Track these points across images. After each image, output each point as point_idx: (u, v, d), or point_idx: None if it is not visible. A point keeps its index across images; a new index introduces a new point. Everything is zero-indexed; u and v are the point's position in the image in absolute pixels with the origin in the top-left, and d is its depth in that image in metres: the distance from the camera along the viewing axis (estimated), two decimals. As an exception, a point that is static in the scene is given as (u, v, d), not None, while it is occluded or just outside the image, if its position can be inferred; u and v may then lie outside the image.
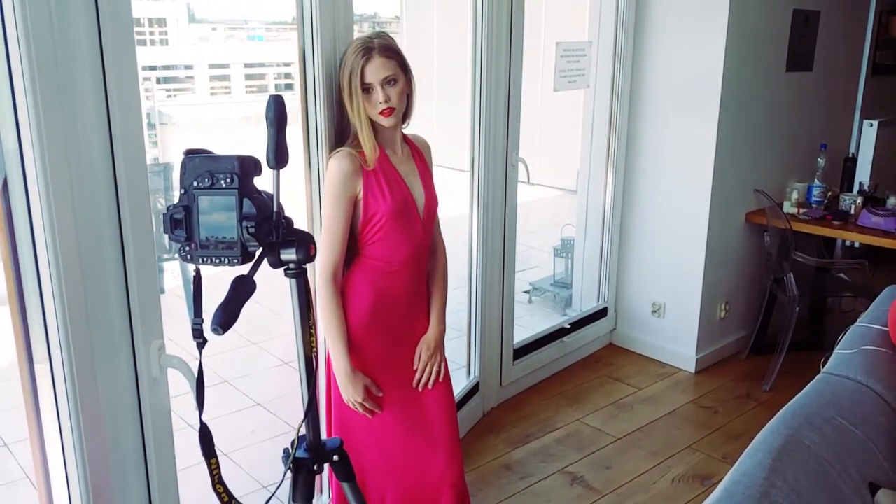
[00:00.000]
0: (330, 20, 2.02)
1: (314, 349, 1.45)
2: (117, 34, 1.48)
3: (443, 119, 5.48)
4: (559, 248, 4.66)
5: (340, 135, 2.05)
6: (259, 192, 1.29)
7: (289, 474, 1.50)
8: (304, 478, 1.51)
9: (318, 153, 2.08)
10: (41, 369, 1.53)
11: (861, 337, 2.16)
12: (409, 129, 2.07)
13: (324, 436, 1.75)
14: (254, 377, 3.82)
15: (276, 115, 1.28)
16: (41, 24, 1.35)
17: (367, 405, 1.97)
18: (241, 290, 1.28)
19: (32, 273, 1.46)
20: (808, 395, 1.82)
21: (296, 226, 1.36)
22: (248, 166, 1.27)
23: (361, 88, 1.86)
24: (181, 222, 1.27)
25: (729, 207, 3.70)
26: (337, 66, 1.97)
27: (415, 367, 2.06)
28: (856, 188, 3.79)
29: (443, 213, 2.14)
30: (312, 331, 1.44)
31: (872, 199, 3.65)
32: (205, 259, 1.28)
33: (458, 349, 3.22)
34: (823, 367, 2.04)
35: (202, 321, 1.29)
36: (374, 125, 1.93)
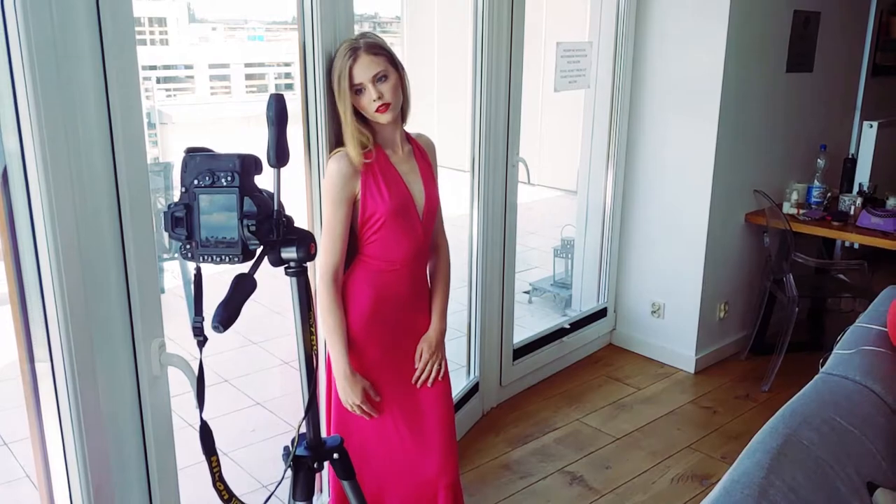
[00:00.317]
0: (330, 20, 2.02)
1: (314, 347, 1.46)
2: (118, 33, 1.48)
3: (443, 119, 5.49)
4: (559, 249, 4.67)
5: (340, 135, 2.05)
6: (260, 191, 1.30)
7: (289, 472, 1.50)
8: (305, 476, 1.51)
9: (318, 153, 2.09)
10: (42, 368, 1.53)
11: (860, 337, 2.16)
12: (410, 128, 2.07)
13: (324, 434, 1.75)
14: (254, 377, 3.83)
15: (277, 113, 1.28)
16: (42, 22, 1.35)
17: (364, 408, 1.97)
18: (242, 288, 1.28)
19: (33, 272, 1.47)
20: (807, 395, 1.82)
21: (296, 224, 1.36)
22: (248, 165, 1.27)
23: (352, 90, 1.87)
24: (182, 220, 1.27)
25: (729, 208, 3.71)
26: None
27: (415, 366, 2.06)
28: (855, 189, 3.79)
29: (443, 212, 2.14)
30: (313, 329, 1.45)
31: (872, 200, 3.65)
32: (205, 257, 1.28)
33: (457, 349, 3.22)
34: (822, 367, 2.04)
35: (203, 319, 1.29)
36: (373, 126, 1.93)
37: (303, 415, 1.47)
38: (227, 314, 1.24)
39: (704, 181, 3.56)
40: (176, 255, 4.48)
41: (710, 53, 3.43)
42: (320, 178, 2.09)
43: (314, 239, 1.37)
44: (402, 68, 1.92)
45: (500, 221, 3.19)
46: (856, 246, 3.71)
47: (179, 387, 1.73)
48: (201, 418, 1.35)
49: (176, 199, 1.29)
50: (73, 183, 1.44)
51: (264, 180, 1.31)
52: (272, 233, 1.29)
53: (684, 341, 3.80)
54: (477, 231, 3.09)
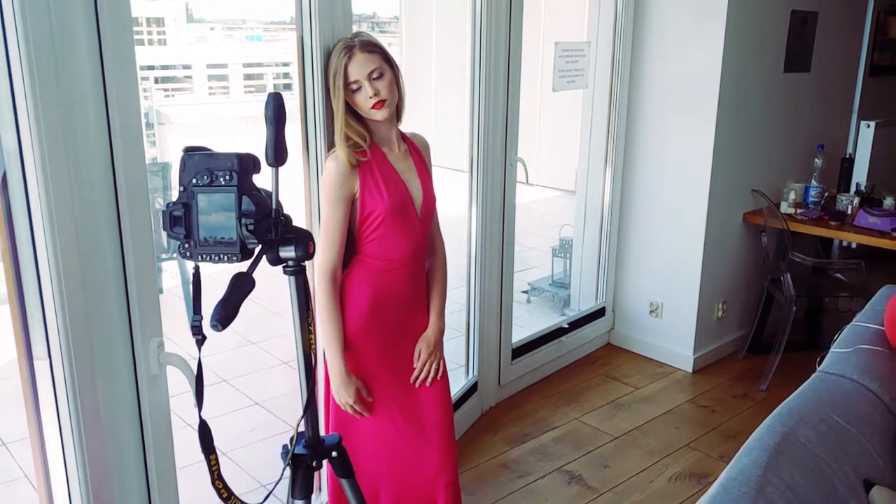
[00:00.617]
0: (328, 20, 2.03)
1: (313, 346, 1.46)
2: (116, 33, 1.48)
3: (442, 119, 5.49)
4: (557, 249, 4.67)
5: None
6: (258, 190, 1.30)
7: (288, 471, 1.50)
8: (303, 474, 1.51)
9: (316, 152, 2.09)
10: (41, 367, 1.53)
11: (857, 336, 2.17)
12: (408, 127, 2.08)
13: (322, 433, 1.76)
14: (252, 377, 3.83)
15: (275, 112, 1.28)
16: (40, 22, 1.35)
17: (357, 408, 1.98)
18: (240, 287, 1.28)
19: (32, 272, 1.47)
20: (804, 394, 1.83)
21: (294, 223, 1.37)
22: (247, 164, 1.27)
23: (348, 88, 1.87)
24: (180, 220, 1.28)
25: (726, 208, 3.71)
26: None
27: (414, 365, 2.07)
28: (853, 189, 3.80)
29: (441, 212, 2.15)
30: (311, 328, 1.45)
31: (869, 200, 3.66)
32: (204, 256, 1.28)
33: (456, 348, 3.22)
34: (819, 366, 2.05)
35: (201, 318, 1.29)
36: (369, 124, 1.94)
37: (301, 413, 1.47)
38: (226, 313, 1.24)
39: (702, 181, 3.56)
40: (174, 254, 4.48)
41: (708, 53, 3.44)
42: (318, 177, 2.10)
43: (312, 238, 1.37)
44: (397, 66, 1.93)
45: (499, 221, 3.19)
46: (853, 245, 3.71)
47: (178, 386, 1.73)
48: (200, 417, 1.36)
49: (174, 198, 1.29)
50: (71, 182, 1.44)
51: (262, 179, 1.31)
52: (270, 232, 1.29)
53: (682, 341, 3.80)
54: (475, 231, 3.09)
